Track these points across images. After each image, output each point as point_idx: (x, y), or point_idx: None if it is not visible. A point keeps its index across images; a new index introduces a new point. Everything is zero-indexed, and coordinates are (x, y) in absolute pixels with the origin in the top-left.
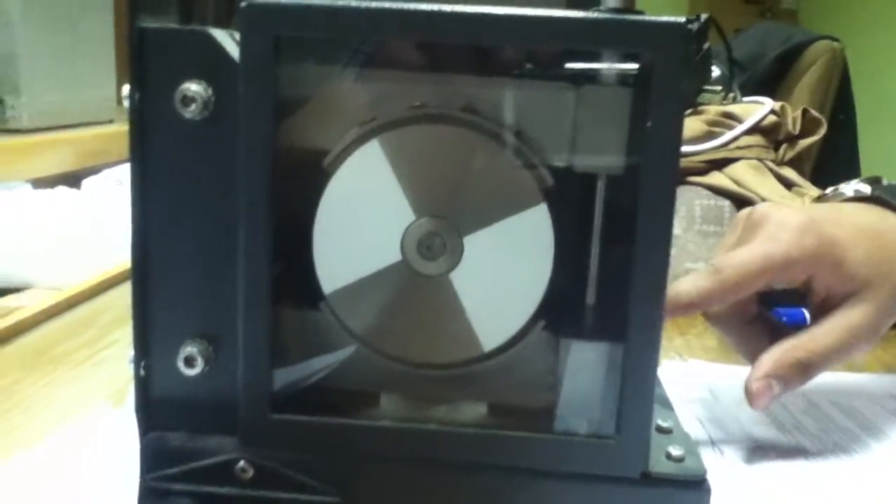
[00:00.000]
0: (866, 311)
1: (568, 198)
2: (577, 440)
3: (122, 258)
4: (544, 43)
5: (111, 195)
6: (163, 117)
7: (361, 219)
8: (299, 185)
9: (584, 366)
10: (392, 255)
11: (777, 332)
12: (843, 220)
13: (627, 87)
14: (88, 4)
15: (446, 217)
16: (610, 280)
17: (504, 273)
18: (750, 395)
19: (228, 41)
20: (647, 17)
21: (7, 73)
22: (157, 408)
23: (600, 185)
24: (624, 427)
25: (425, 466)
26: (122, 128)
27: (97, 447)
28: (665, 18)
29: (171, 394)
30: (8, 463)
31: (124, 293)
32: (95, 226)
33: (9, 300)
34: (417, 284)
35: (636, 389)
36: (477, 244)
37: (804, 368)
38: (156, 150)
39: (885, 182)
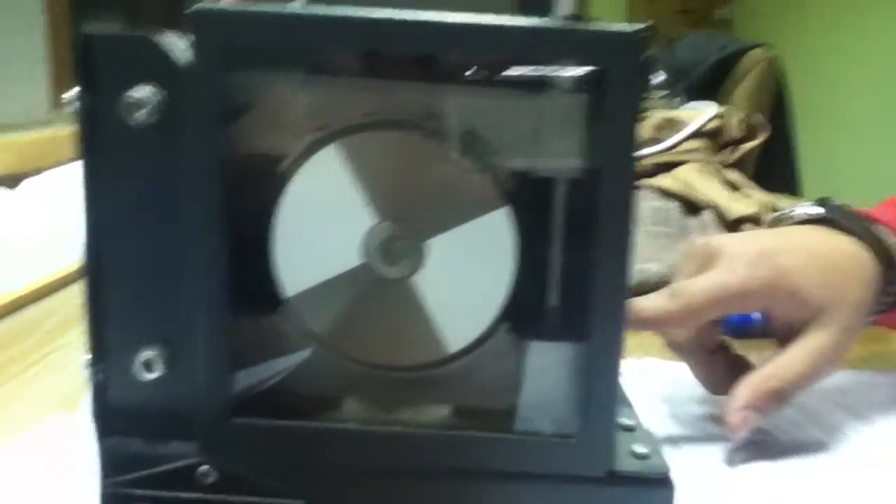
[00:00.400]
0: (829, 334)
1: (528, 201)
2: (542, 440)
3: (64, 262)
4: (495, 52)
5: (50, 198)
6: (111, 123)
7: (321, 223)
8: (256, 189)
9: (548, 366)
10: (353, 259)
11: (737, 362)
12: (795, 246)
13: (583, 92)
14: (18, 10)
15: (406, 221)
16: (572, 281)
17: (466, 276)
18: (730, 426)
19: (178, 45)
20: (599, 27)
21: None
22: (114, 413)
23: (560, 189)
24: (588, 426)
25: (389, 469)
26: (57, 132)
27: (53, 453)
28: (617, 27)
29: (129, 399)
30: None
31: (69, 297)
32: (33, 229)
33: None
34: (379, 288)
35: (599, 388)
36: (438, 248)
37: (779, 397)
38: (105, 156)
39: (833, 202)
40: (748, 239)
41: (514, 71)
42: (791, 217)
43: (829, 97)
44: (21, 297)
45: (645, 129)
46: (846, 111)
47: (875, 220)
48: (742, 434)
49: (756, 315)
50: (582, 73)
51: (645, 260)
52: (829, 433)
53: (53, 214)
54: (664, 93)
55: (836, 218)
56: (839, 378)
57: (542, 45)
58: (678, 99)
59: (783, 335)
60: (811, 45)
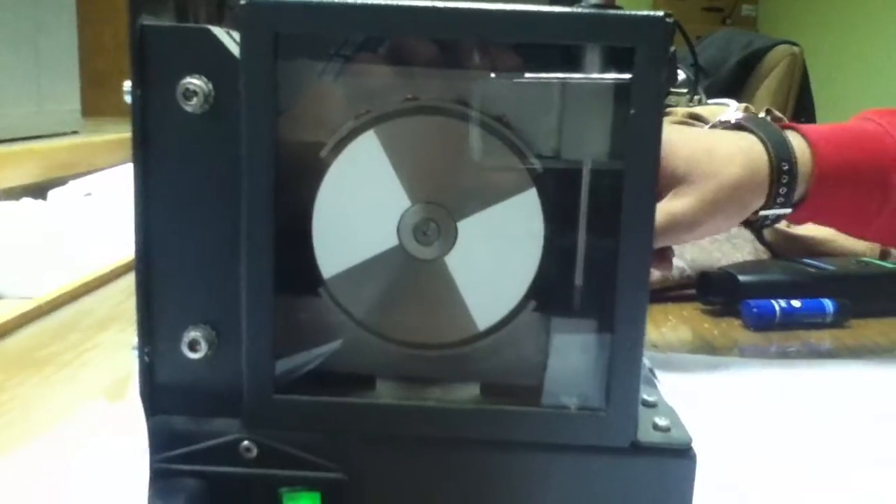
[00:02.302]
0: (685, 202)
1: (556, 184)
2: (568, 413)
3: (94, 266)
4: (529, 38)
5: (78, 206)
6: (164, 112)
7: (358, 206)
8: (298, 175)
9: (574, 343)
10: (389, 241)
11: None
12: (693, 136)
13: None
14: (51, 19)
15: (440, 203)
16: (597, 260)
17: (496, 256)
18: None
19: (226, 38)
20: (628, 13)
21: None
22: (161, 392)
23: (586, 171)
24: (613, 399)
25: (424, 442)
26: (87, 140)
27: (101, 438)
28: (645, 13)
29: (176, 378)
30: (10, 459)
31: (103, 298)
32: (62, 237)
33: None
34: (413, 268)
35: (624, 363)
36: (470, 228)
37: None
38: (158, 143)
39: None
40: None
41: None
42: (721, 123)
43: (853, 94)
44: (55, 299)
45: (667, 126)
46: (868, 108)
47: (793, 128)
48: None
49: (776, 307)
50: (610, 60)
51: None
52: (848, 420)
53: (79, 223)
54: (685, 90)
55: (747, 123)
56: (860, 367)
57: (574, 31)
58: (700, 96)
59: None
60: (835, 43)
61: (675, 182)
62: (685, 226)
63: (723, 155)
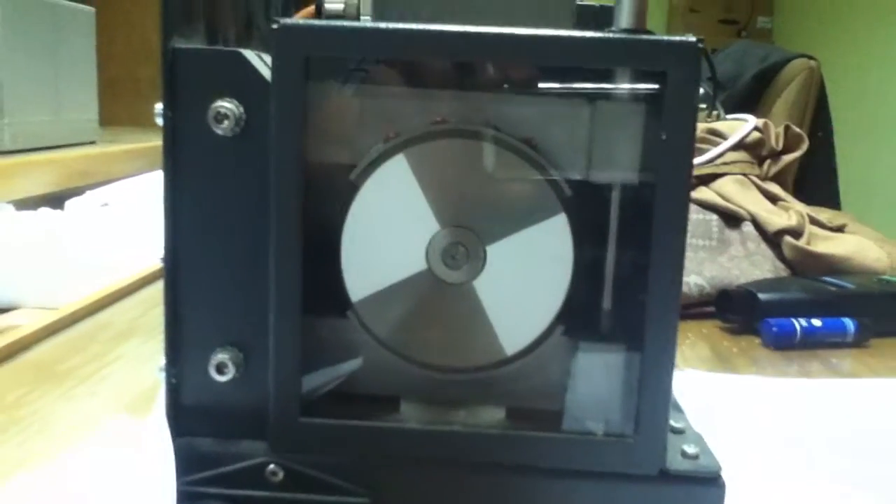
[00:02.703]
0: None
1: (586, 207)
2: (596, 439)
3: (113, 277)
4: (560, 62)
5: (95, 216)
6: (195, 134)
7: (387, 229)
8: (327, 197)
9: (602, 368)
10: (417, 264)
11: None
12: None
13: (641, 102)
14: (70, 30)
15: (469, 227)
16: (626, 285)
17: (525, 280)
18: None
19: (257, 61)
20: (660, 37)
21: None
22: (187, 414)
23: (616, 195)
24: (642, 426)
25: (450, 467)
26: (104, 149)
27: (123, 455)
28: (678, 38)
29: (201, 401)
30: (31, 474)
31: (123, 310)
32: (79, 247)
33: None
34: (442, 292)
35: (653, 390)
36: (499, 252)
37: None
38: (187, 165)
39: None
40: None
41: (575, 83)
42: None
43: (870, 109)
44: (76, 311)
45: None
46: (887, 123)
47: None
48: None
49: (796, 326)
50: (639, 85)
51: (686, 273)
52: (869, 440)
53: (96, 232)
54: (703, 105)
55: None
56: (882, 386)
57: (609, 55)
58: (718, 111)
59: None
60: (852, 56)
61: None
62: None
63: None
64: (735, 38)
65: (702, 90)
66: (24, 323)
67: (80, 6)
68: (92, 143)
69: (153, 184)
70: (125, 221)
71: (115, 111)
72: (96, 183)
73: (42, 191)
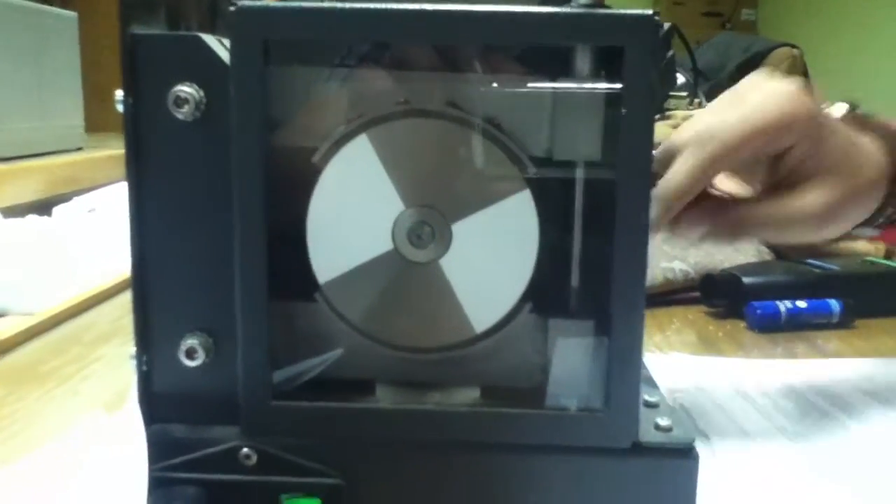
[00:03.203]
0: (827, 195)
1: (550, 185)
2: (568, 414)
3: (96, 281)
4: (518, 40)
5: (82, 222)
6: (156, 120)
7: (353, 211)
8: (291, 180)
9: (572, 344)
10: (383, 245)
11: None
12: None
13: (601, 80)
14: (53, 36)
15: (434, 206)
16: (593, 261)
17: (492, 258)
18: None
19: (217, 45)
20: (616, 11)
21: None
22: (159, 401)
23: (580, 172)
24: (613, 400)
25: (423, 447)
26: (91, 155)
27: (100, 447)
28: (634, 11)
29: (173, 387)
30: (11, 469)
31: (105, 312)
32: (67, 253)
33: None
34: (409, 272)
35: (623, 363)
36: (465, 231)
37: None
38: (150, 151)
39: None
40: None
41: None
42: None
43: (853, 95)
44: (57, 314)
45: (667, 129)
46: (869, 109)
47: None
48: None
49: (781, 309)
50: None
51: (669, 259)
52: (854, 418)
53: (84, 238)
54: (685, 94)
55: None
56: (867, 366)
57: (564, 30)
58: (700, 100)
59: (776, 181)
60: (835, 45)
61: (823, 169)
62: (815, 223)
63: (864, 155)
64: (719, 31)
65: (683, 78)
66: (6, 328)
67: (63, 11)
68: (79, 149)
69: None
70: (113, 226)
71: (102, 117)
72: (83, 189)
73: (29, 198)
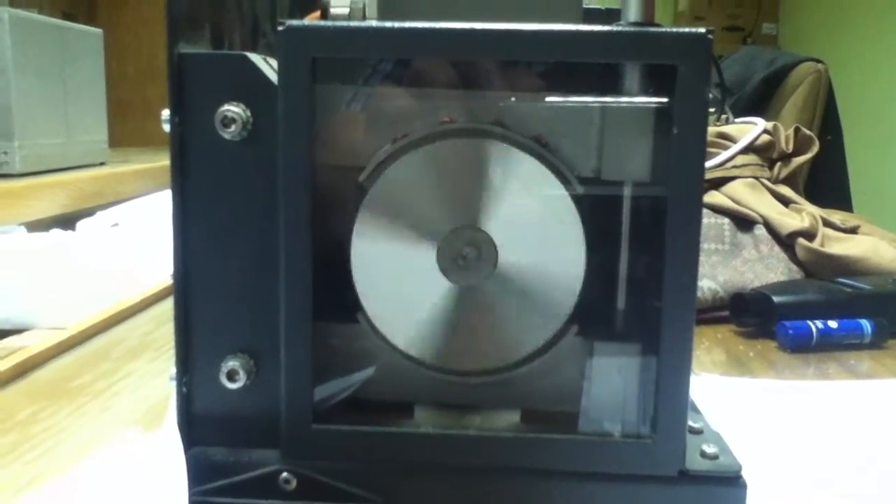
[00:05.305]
0: None
1: (598, 206)
2: (614, 441)
3: (123, 296)
4: (569, 57)
5: (106, 237)
6: (202, 139)
7: (397, 232)
8: (336, 200)
9: (618, 368)
10: (428, 267)
11: None
12: None
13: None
14: (78, 52)
15: (480, 227)
16: (641, 284)
17: (537, 280)
18: None
19: (263, 64)
20: (669, 30)
21: (0, 121)
22: (198, 423)
23: (628, 193)
24: (661, 426)
25: (465, 472)
26: (114, 170)
27: (137, 468)
28: (687, 30)
29: (213, 409)
30: (45, 489)
31: (134, 327)
32: (91, 267)
33: (11, 341)
34: (453, 294)
35: (671, 389)
36: (511, 253)
37: None
38: (195, 171)
39: None
40: None
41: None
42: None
43: (879, 111)
44: (85, 330)
45: None
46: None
47: None
48: None
49: (812, 329)
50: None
51: (699, 278)
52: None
53: (108, 252)
54: (712, 109)
55: None
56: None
57: (618, 49)
58: (727, 115)
59: None
60: (858, 59)
61: None
62: None
63: None
64: (740, 45)
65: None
66: (34, 343)
67: (89, 28)
68: (102, 164)
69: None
70: (136, 241)
71: (125, 132)
72: (107, 203)
73: (53, 212)
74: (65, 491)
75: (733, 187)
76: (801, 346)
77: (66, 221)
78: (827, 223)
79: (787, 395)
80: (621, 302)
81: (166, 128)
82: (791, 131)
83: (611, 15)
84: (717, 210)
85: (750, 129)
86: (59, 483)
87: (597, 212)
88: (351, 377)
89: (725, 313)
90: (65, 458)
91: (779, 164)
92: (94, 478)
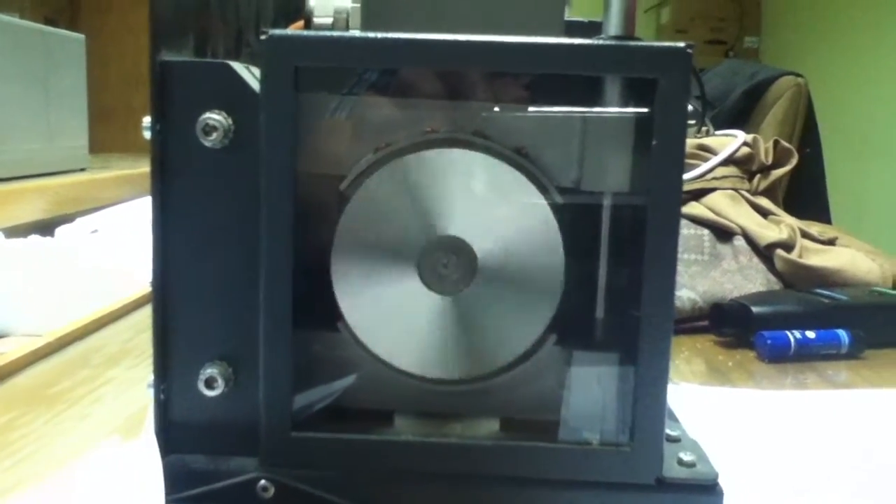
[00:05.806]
0: None
1: (577, 216)
2: (593, 449)
3: (102, 303)
4: (551, 70)
5: (85, 243)
6: (183, 146)
7: (378, 241)
8: (317, 209)
9: (596, 377)
10: (409, 275)
11: None
12: None
13: (631, 112)
14: (61, 58)
15: (460, 237)
16: (619, 293)
17: (517, 289)
18: None
19: (246, 73)
20: (650, 43)
21: None
22: (176, 431)
23: (608, 203)
24: (638, 434)
25: (444, 480)
26: (94, 176)
27: (114, 476)
28: (668, 44)
29: (191, 416)
30: (21, 496)
31: (113, 334)
32: (70, 274)
33: None
34: (433, 303)
35: (649, 397)
36: (490, 262)
37: None
38: (176, 178)
39: None
40: None
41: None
42: None
43: (857, 124)
44: (64, 336)
45: None
46: (874, 139)
47: None
48: None
49: (791, 339)
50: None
51: (678, 288)
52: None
53: (87, 259)
54: (692, 121)
55: None
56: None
57: (598, 62)
58: (707, 127)
59: None
60: (838, 73)
61: None
62: None
63: None
64: (723, 58)
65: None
66: (10, 350)
67: (71, 34)
68: (82, 170)
69: (143, 210)
70: (115, 247)
71: (106, 138)
72: (87, 210)
73: (32, 218)
74: (42, 498)
75: (713, 199)
76: (779, 356)
77: (45, 227)
78: (805, 235)
79: (766, 405)
80: (600, 311)
81: (147, 135)
82: (770, 144)
83: (592, 28)
84: (697, 221)
85: (730, 141)
86: (36, 491)
87: (576, 221)
88: (331, 385)
89: (705, 323)
90: (43, 465)
91: (758, 176)
92: (71, 485)
